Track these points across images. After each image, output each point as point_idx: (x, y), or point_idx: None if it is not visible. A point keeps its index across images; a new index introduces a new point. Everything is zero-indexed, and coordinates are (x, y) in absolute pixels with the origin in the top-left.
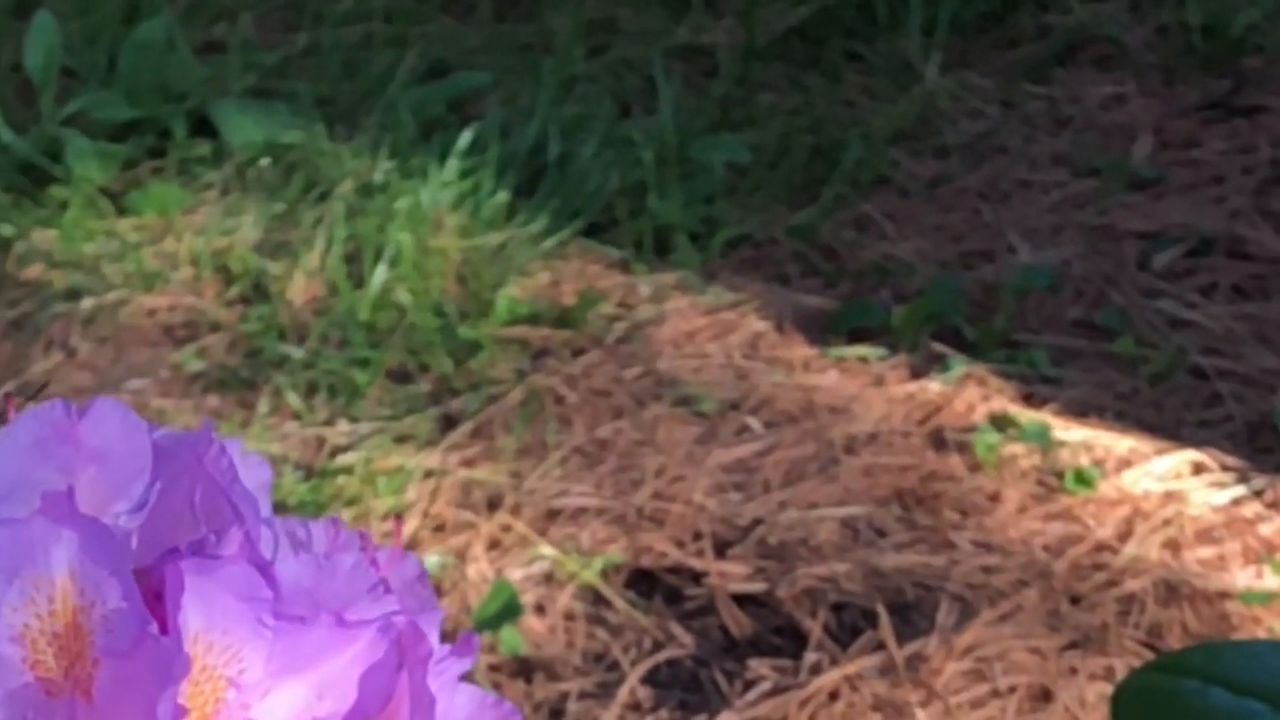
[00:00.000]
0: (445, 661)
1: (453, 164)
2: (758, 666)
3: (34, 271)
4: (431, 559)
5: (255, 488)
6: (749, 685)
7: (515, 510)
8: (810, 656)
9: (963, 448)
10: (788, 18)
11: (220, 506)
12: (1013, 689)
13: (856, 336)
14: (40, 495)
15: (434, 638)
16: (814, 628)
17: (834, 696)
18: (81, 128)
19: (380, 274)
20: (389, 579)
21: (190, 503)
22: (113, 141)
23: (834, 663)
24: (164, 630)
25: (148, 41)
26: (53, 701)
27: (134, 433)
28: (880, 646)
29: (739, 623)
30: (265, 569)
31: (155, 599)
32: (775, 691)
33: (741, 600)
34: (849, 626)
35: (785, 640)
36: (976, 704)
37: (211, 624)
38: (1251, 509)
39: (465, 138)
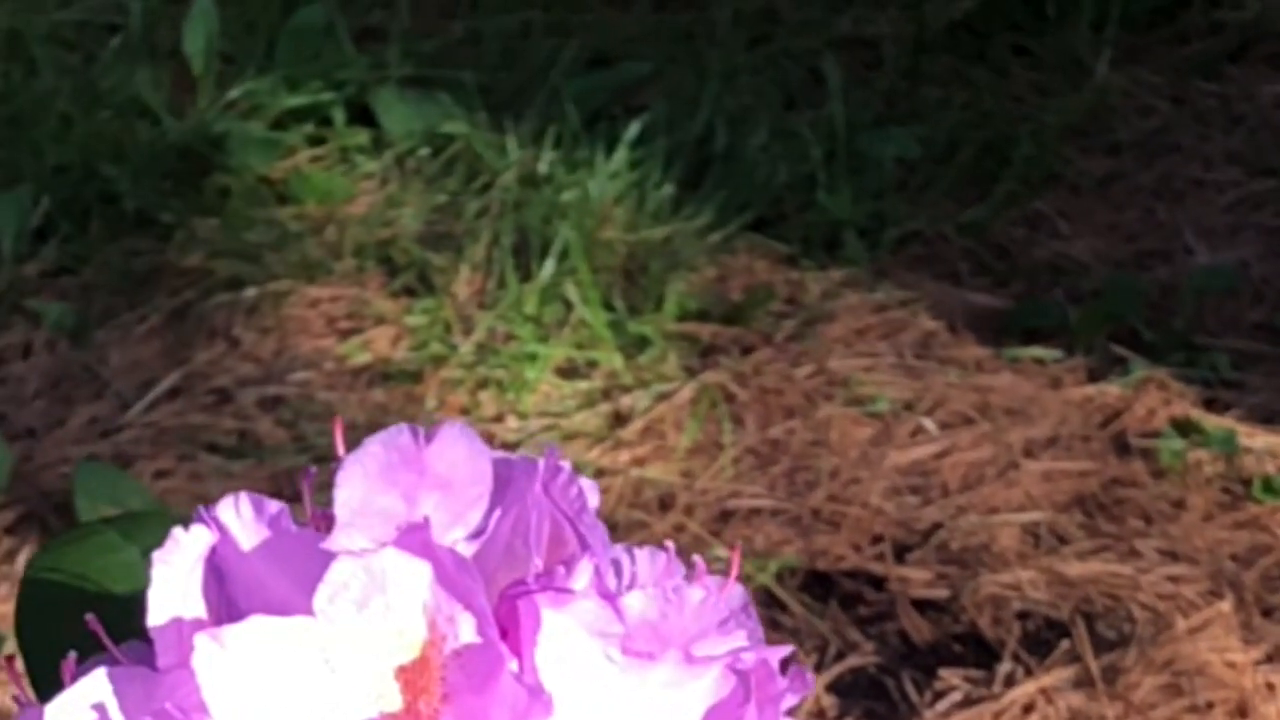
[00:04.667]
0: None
1: (619, 155)
2: (948, 676)
3: (194, 260)
4: None
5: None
6: (939, 695)
7: (688, 511)
8: (1004, 667)
9: (1146, 453)
10: (953, 10)
11: (564, 536)
12: (1210, 705)
13: (1031, 337)
14: (389, 524)
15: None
16: (1007, 638)
17: (1029, 709)
18: (240, 114)
19: (548, 267)
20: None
21: (521, 531)
22: (272, 129)
23: (1029, 674)
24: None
25: (305, 28)
26: None
27: (477, 459)
28: (1075, 658)
29: (919, 629)
30: (613, 602)
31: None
32: (967, 703)
33: (922, 606)
34: (1035, 636)
35: (968, 648)
36: None
37: (561, 659)
38: None
39: (633, 129)
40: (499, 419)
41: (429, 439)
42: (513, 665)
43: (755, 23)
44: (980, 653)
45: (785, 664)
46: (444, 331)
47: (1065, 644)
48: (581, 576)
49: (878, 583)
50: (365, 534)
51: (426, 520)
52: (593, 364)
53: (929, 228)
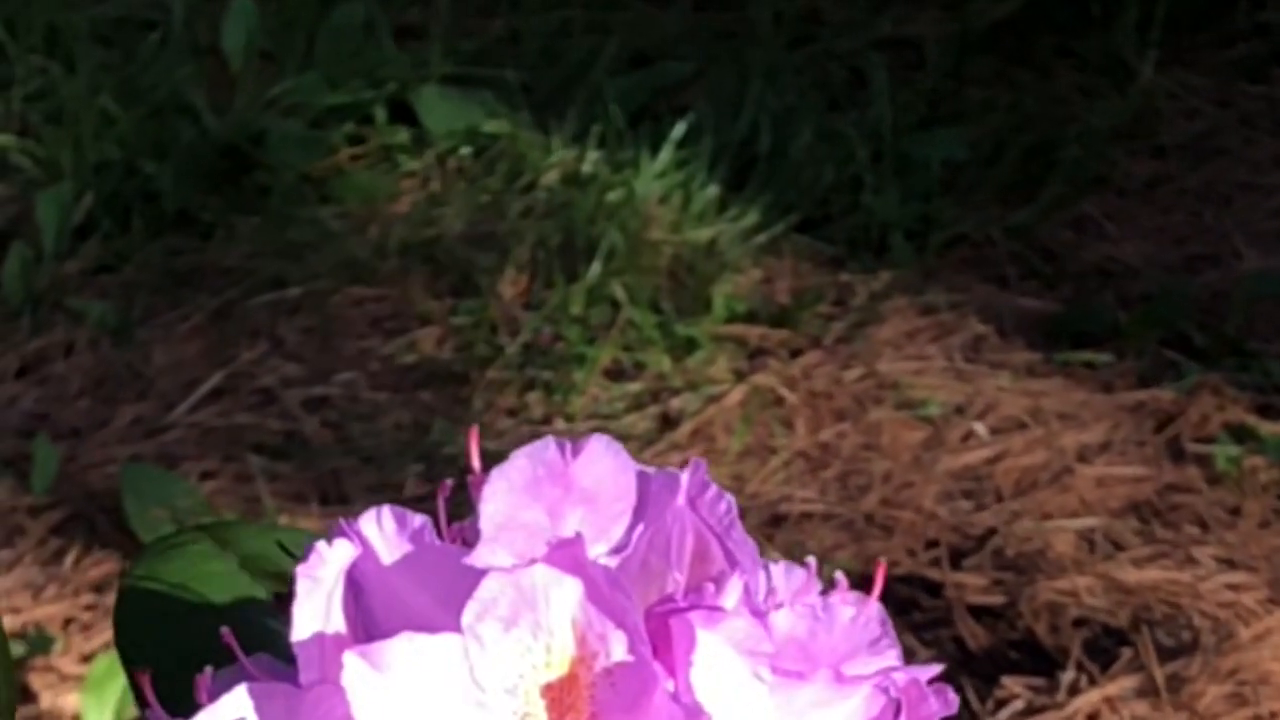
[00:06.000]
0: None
1: (664, 155)
2: (1010, 684)
3: (236, 258)
4: None
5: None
6: (1000, 704)
7: (740, 514)
8: (1067, 675)
9: (1201, 459)
10: (996, 11)
11: (709, 553)
12: (1275, 714)
13: (1080, 341)
14: (533, 539)
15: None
16: (1071, 646)
17: (1093, 718)
18: (280, 112)
19: (595, 268)
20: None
21: (658, 546)
22: (312, 127)
23: (1092, 683)
24: None
25: (345, 25)
26: None
27: (623, 474)
28: (1139, 667)
29: (976, 636)
30: (763, 620)
31: None
32: (1030, 711)
33: (978, 613)
34: (1094, 643)
35: (1025, 656)
36: None
37: (714, 679)
38: None
39: (679, 129)
40: (547, 421)
41: (575, 452)
42: (668, 685)
43: (796, 23)
44: (1038, 660)
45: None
46: (490, 332)
47: (1127, 652)
48: (731, 594)
49: (933, 589)
50: (508, 549)
51: (579, 536)
52: (640, 366)
53: (976, 230)
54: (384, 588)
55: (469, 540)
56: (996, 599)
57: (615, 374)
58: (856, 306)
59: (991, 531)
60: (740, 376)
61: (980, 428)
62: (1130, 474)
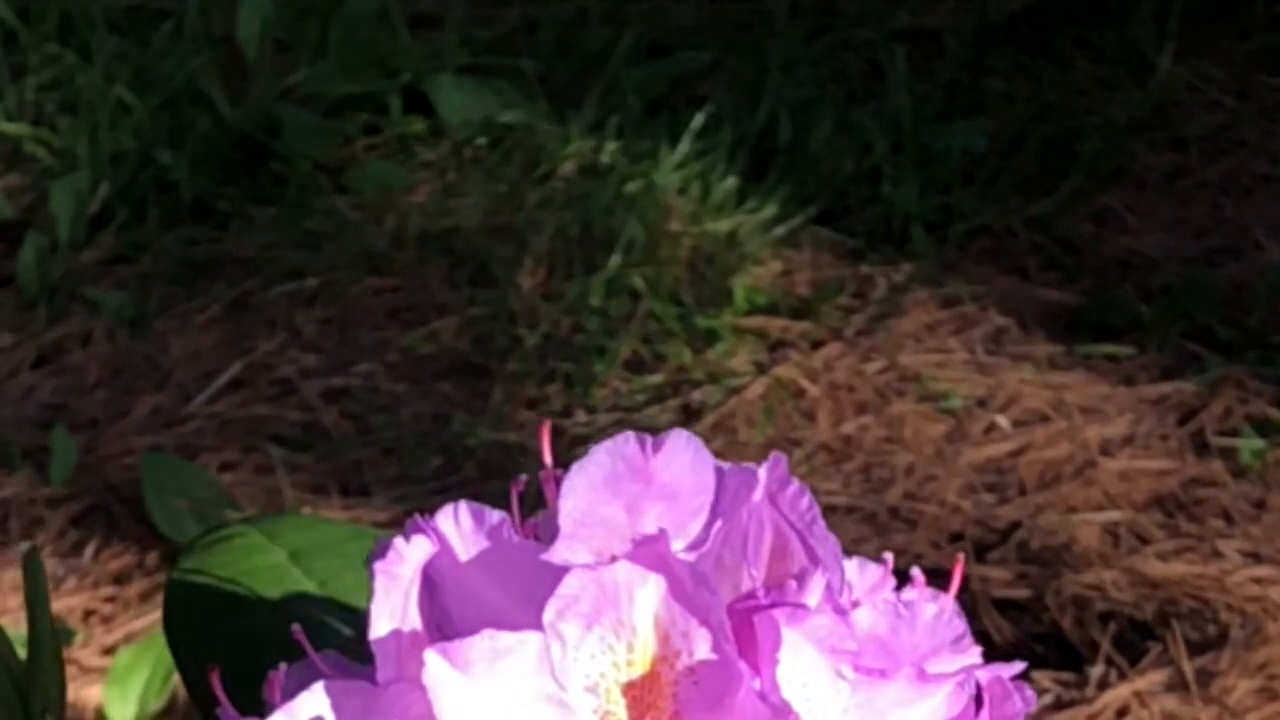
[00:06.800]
0: None
1: (683, 146)
2: (1038, 678)
3: (252, 249)
4: None
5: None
6: None
7: None
8: (1095, 670)
9: (1225, 452)
10: (1013, 2)
11: (789, 549)
12: None
13: (1102, 333)
14: (610, 535)
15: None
16: (1100, 640)
17: (1123, 713)
18: (296, 102)
19: (614, 260)
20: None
21: (732, 543)
22: (327, 117)
23: (1122, 677)
24: None
25: (359, 14)
26: None
27: (702, 469)
28: (1168, 662)
29: (1001, 630)
30: (845, 618)
31: None
32: (1059, 705)
33: (1003, 606)
34: (1121, 638)
35: (1051, 650)
36: None
37: (800, 677)
38: None
39: (698, 119)
40: (567, 413)
41: (655, 448)
42: (754, 683)
43: (812, 13)
44: (1065, 654)
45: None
46: (509, 324)
47: (1156, 646)
48: (815, 591)
49: (961, 581)
50: (586, 545)
51: (663, 532)
52: (661, 358)
53: (996, 222)
54: (459, 584)
55: (540, 536)
56: (1022, 592)
57: (636, 366)
58: (877, 298)
59: (1016, 525)
60: (761, 369)
61: (1003, 420)
62: (1154, 467)
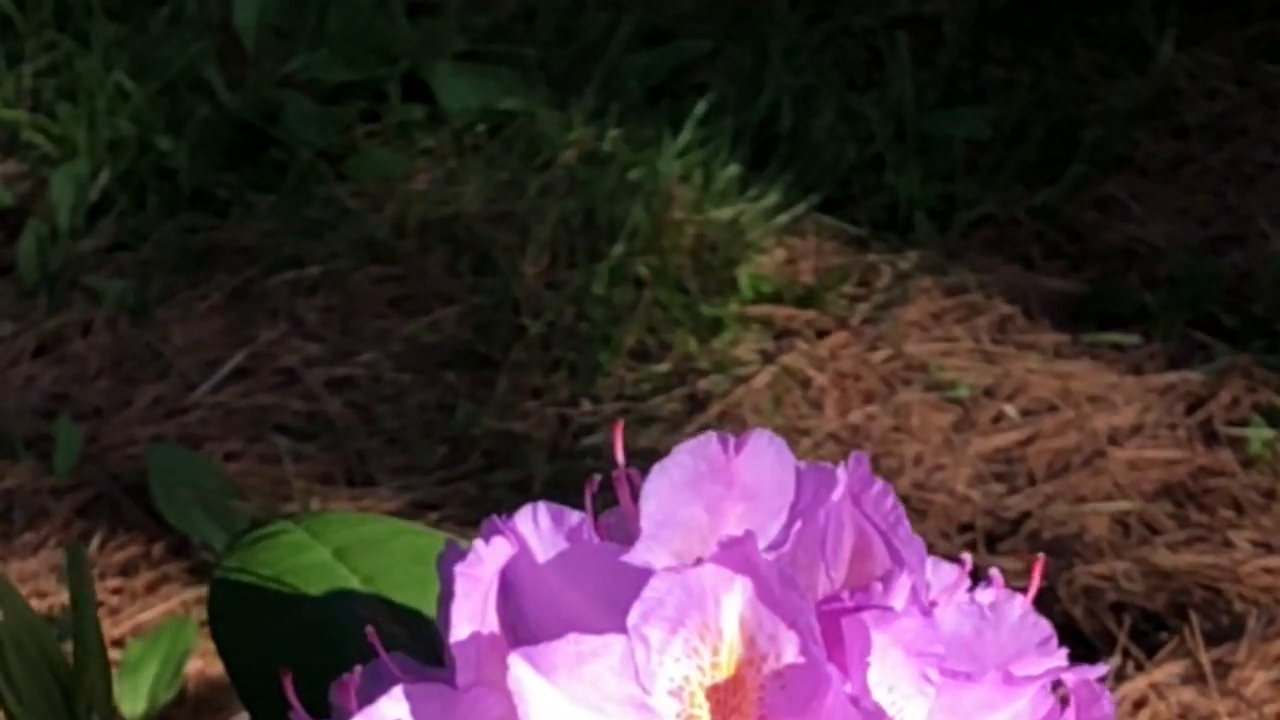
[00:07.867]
0: None
1: (685, 134)
2: None
3: (253, 237)
4: None
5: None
6: None
7: None
8: (1112, 661)
9: (1234, 442)
10: None
11: (871, 551)
12: None
13: (1107, 322)
14: (690, 536)
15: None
16: (1115, 631)
17: (1140, 705)
18: (295, 89)
19: (618, 248)
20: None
21: (808, 543)
22: (325, 104)
23: (1139, 669)
24: None
25: (357, 1)
26: None
27: (783, 469)
28: (1184, 653)
29: None
30: (930, 620)
31: None
32: None
33: None
34: (1134, 628)
35: (1064, 640)
36: None
37: (880, 680)
38: None
39: (700, 107)
40: (572, 402)
41: (738, 448)
42: (845, 687)
43: (812, 0)
44: (1077, 645)
45: None
46: (512, 312)
47: (1173, 638)
48: (900, 594)
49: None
50: (666, 547)
51: (749, 535)
52: (666, 347)
53: (1000, 210)
54: (537, 586)
55: (614, 536)
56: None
57: (641, 355)
58: (882, 287)
59: (1026, 515)
60: (767, 357)
61: (1010, 410)
62: (1163, 457)
